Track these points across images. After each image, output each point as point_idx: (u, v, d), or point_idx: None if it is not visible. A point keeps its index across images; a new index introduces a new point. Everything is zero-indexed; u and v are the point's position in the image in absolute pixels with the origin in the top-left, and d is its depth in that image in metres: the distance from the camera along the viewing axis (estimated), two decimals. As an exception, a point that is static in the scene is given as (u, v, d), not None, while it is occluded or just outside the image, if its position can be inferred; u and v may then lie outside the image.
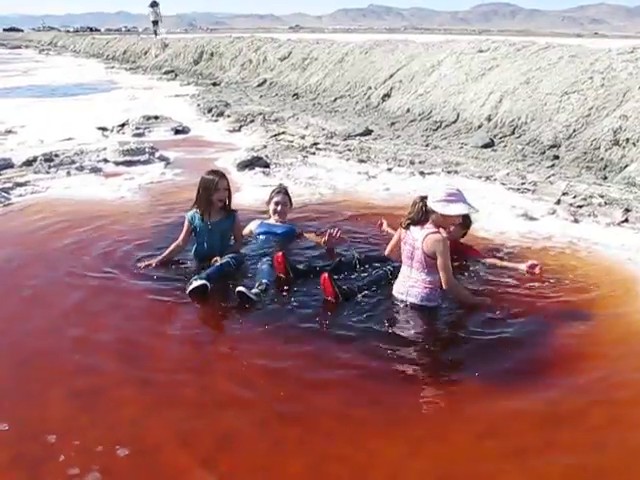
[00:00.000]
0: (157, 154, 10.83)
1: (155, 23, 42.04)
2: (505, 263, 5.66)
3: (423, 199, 4.81)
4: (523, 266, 5.55)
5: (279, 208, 6.36)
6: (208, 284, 4.97)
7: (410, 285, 4.87)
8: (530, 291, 5.21)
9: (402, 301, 4.89)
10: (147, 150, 10.81)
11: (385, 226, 6.60)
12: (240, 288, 4.88)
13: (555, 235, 6.73)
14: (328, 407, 3.71)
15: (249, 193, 8.39)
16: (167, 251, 5.75)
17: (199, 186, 5.77)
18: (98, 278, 5.42)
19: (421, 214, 4.77)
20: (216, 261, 5.42)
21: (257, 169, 9.64)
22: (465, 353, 4.32)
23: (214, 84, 22.43)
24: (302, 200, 8.02)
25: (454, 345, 4.47)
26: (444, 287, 4.72)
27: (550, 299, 5.08)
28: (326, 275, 4.96)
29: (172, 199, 8.08)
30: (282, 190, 6.53)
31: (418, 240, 4.78)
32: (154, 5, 41.32)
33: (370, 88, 15.42)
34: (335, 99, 16.09)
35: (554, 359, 4.22)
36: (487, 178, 8.78)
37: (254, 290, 4.94)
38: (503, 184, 8.48)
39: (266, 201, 6.60)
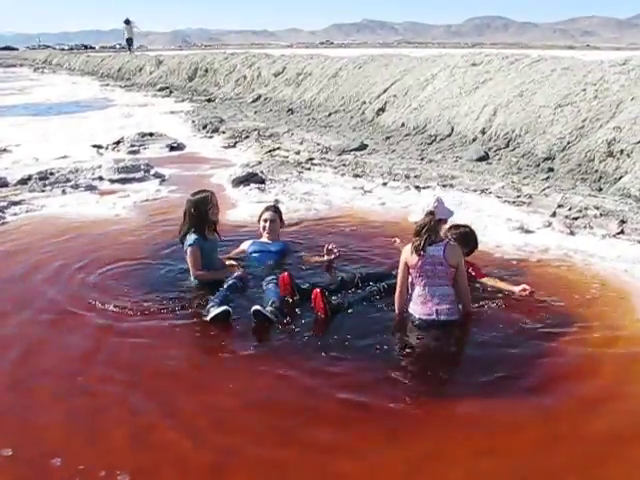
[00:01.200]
0: (152, 171, 10.84)
1: (129, 40, 42.92)
2: (500, 285, 5.53)
3: (433, 214, 4.76)
4: (517, 289, 5.42)
5: (267, 225, 6.30)
6: (230, 310, 4.90)
7: (437, 303, 4.78)
8: (526, 306, 5.18)
9: (430, 321, 4.79)
10: (142, 167, 10.82)
11: (398, 242, 6.46)
12: (256, 307, 4.82)
13: (551, 247, 6.74)
14: (327, 424, 3.69)
15: (244, 209, 8.39)
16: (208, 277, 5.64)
17: (190, 208, 5.68)
18: (93, 301, 5.39)
19: (437, 230, 4.78)
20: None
21: (252, 185, 9.65)
22: (465, 369, 4.30)
23: (209, 100, 22.51)
24: (298, 216, 8.03)
25: (454, 361, 4.45)
26: (467, 295, 4.83)
27: (546, 314, 5.06)
28: (318, 291, 4.97)
29: (168, 216, 8.06)
30: (271, 208, 6.51)
31: (439, 255, 4.75)
32: (127, 22, 42.19)
33: (364, 103, 15.48)
34: (330, 114, 16.15)
35: (552, 375, 4.19)
36: (482, 191, 8.80)
37: (268, 308, 4.89)
38: (498, 197, 8.50)
39: (257, 219, 6.58)
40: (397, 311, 4.87)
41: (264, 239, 6.36)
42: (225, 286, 5.31)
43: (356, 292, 5.40)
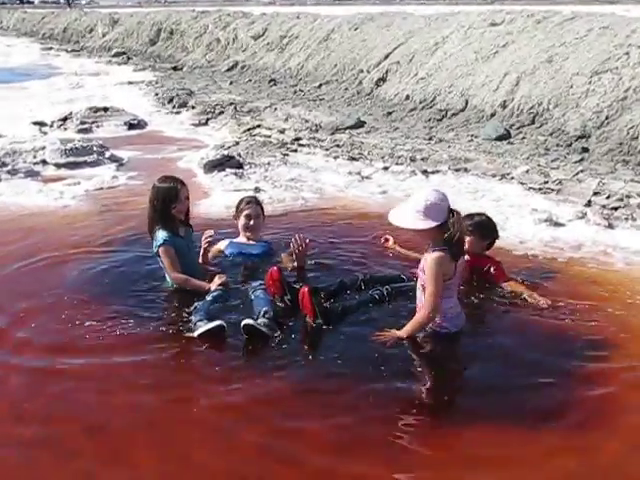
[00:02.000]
0: (107, 154, 10.80)
1: None
2: (525, 294, 5.48)
3: (454, 211, 4.73)
4: (542, 302, 5.34)
5: (251, 223, 6.22)
6: (224, 324, 4.79)
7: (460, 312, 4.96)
8: (555, 319, 5.15)
9: (455, 333, 4.87)
10: (95, 149, 10.77)
11: (392, 243, 6.50)
12: (248, 321, 4.74)
13: (585, 244, 6.78)
14: (322, 450, 3.72)
15: (219, 199, 8.39)
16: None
17: (154, 198, 5.64)
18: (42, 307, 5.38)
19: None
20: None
21: (228, 170, 9.65)
22: (481, 392, 4.30)
23: (175, 68, 22.47)
24: (283, 207, 8.04)
25: (470, 382, 4.46)
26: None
27: (581, 328, 5.01)
28: (306, 289, 4.98)
29: (127, 208, 8.06)
30: (253, 200, 6.41)
31: (463, 259, 4.91)
32: None
33: (362, 71, 15.51)
34: (320, 85, 16.15)
35: (577, 401, 4.16)
36: (503, 176, 8.84)
37: (261, 320, 4.83)
38: (522, 183, 8.55)
39: (233, 215, 6.46)
40: (424, 327, 4.83)
41: (242, 239, 6.30)
42: (209, 296, 5.25)
43: (356, 295, 5.42)
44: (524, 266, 6.20)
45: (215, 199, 8.46)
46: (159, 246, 5.57)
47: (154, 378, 4.42)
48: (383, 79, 14.57)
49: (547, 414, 4.03)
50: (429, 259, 4.58)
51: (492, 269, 5.65)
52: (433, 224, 4.50)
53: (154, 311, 5.26)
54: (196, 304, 5.18)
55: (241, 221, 6.28)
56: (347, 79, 15.75)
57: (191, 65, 22.64)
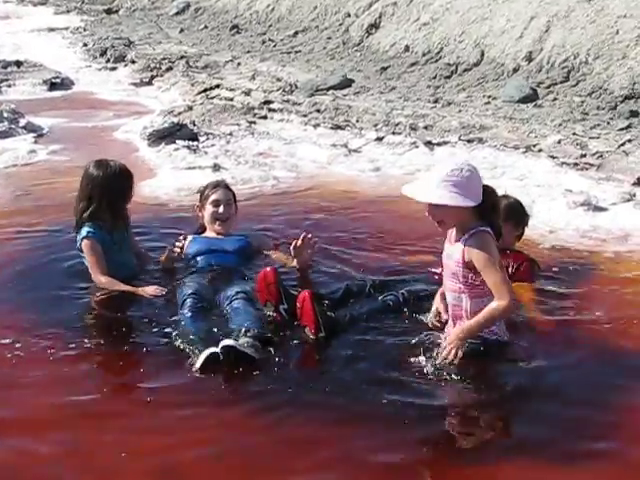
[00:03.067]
0: (22, 121, 10.73)
1: None
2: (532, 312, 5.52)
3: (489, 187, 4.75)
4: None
5: (221, 210, 6.06)
6: (219, 352, 4.65)
7: None
8: (594, 331, 5.14)
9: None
10: (6, 115, 10.69)
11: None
12: (227, 342, 4.63)
13: (634, 234, 6.81)
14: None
15: (168, 180, 8.37)
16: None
17: (88, 183, 5.75)
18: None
19: None
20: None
21: (179, 143, 9.60)
22: (515, 423, 4.33)
23: (108, 11, 22.33)
24: (249, 190, 8.02)
25: (502, 408, 4.47)
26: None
27: (624, 340, 5.02)
28: (307, 294, 4.94)
29: (49, 190, 8.04)
30: (221, 184, 6.34)
31: None
32: None
33: (348, 15, 15.47)
34: (295, 33, 16.10)
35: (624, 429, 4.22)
36: (528, 149, 8.87)
37: (243, 340, 4.71)
38: (553, 157, 8.58)
39: (196, 205, 6.29)
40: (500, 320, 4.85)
41: (210, 233, 6.19)
42: (186, 310, 5.19)
43: (365, 303, 5.41)
44: (555, 262, 6.21)
45: (163, 179, 8.43)
46: (82, 239, 5.67)
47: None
48: (375, 25, 14.55)
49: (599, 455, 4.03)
50: (475, 241, 4.55)
51: (522, 267, 5.65)
52: (472, 203, 4.50)
53: (82, 325, 5.24)
54: (178, 319, 5.16)
55: (207, 210, 6.12)
56: (330, 25, 15.71)
57: (129, 7, 22.53)
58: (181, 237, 5.95)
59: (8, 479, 3.77)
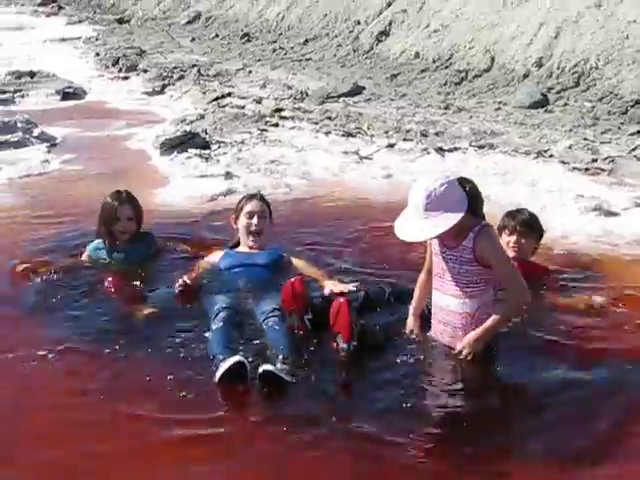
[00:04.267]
0: (36, 131, 10.76)
1: None
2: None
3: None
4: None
5: (255, 222, 5.97)
6: (246, 362, 4.61)
7: None
8: (604, 336, 5.14)
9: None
10: (20, 125, 10.73)
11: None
12: (267, 367, 4.54)
13: (646, 239, 6.82)
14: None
15: (181, 188, 8.37)
16: None
17: (100, 209, 6.25)
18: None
19: None
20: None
21: (191, 151, 9.62)
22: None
23: (120, 21, 22.43)
24: (261, 197, 8.05)
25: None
26: None
27: (635, 342, 5.02)
28: (344, 301, 4.87)
29: (62, 200, 8.06)
30: (257, 195, 6.22)
31: None
32: None
33: (358, 23, 15.51)
34: (306, 41, 16.14)
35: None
36: (539, 154, 8.86)
37: (281, 366, 4.65)
38: (564, 162, 8.58)
39: (231, 218, 6.22)
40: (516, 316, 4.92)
41: (243, 248, 6.11)
42: (219, 322, 5.10)
43: (390, 311, 5.41)
44: (567, 267, 6.21)
45: (175, 188, 8.44)
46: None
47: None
48: (385, 32, 14.59)
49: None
50: (486, 237, 4.61)
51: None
52: (462, 211, 4.52)
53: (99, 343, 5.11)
54: (210, 332, 5.09)
55: (241, 222, 6.04)
56: (340, 33, 15.75)
57: (141, 16, 22.63)
58: (181, 280, 5.75)
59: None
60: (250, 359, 4.66)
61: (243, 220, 6.00)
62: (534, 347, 5.02)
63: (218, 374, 4.55)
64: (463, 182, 4.73)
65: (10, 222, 7.48)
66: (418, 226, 4.54)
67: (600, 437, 4.15)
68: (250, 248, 6.01)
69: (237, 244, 6.14)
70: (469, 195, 4.62)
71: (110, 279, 5.71)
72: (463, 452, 4.12)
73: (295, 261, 6.05)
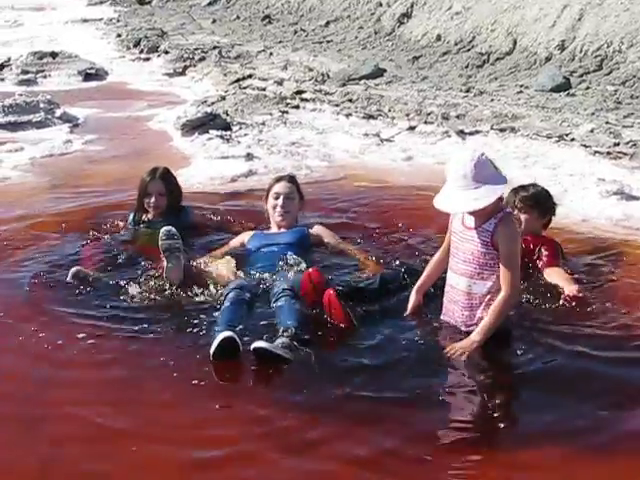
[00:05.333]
0: (58, 112, 10.82)
1: None
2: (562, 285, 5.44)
3: None
4: (572, 288, 5.33)
5: (280, 203, 6.06)
6: (235, 336, 4.68)
7: None
8: (621, 321, 5.08)
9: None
10: (42, 106, 10.78)
11: None
12: (259, 344, 4.61)
13: (669, 223, 6.79)
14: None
15: (202, 169, 8.39)
16: None
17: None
18: None
19: None
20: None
21: (212, 132, 9.66)
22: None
23: (141, 2, 22.40)
24: (282, 178, 8.07)
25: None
26: None
27: None
28: (331, 292, 4.96)
29: (85, 181, 8.11)
30: (286, 177, 6.31)
31: None
32: None
33: (380, 5, 15.46)
34: (327, 23, 16.11)
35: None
36: (561, 138, 8.82)
37: (279, 341, 4.69)
38: (585, 146, 8.53)
39: (263, 197, 6.31)
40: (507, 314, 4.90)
41: (273, 227, 6.20)
42: (227, 301, 5.16)
43: (398, 292, 5.42)
44: (587, 251, 6.21)
45: (197, 168, 8.46)
46: None
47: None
48: (407, 15, 14.54)
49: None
50: (507, 227, 4.62)
51: (544, 252, 5.65)
52: (504, 184, 4.61)
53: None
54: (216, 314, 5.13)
55: (269, 203, 6.15)
56: (361, 15, 15.71)
57: (162, -2, 22.62)
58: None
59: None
60: (247, 337, 4.73)
61: (271, 201, 6.11)
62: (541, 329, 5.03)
63: (211, 351, 4.63)
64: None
65: (35, 204, 7.45)
66: (471, 196, 4.54)
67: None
68: (278, 228, 6.10)
69: (269, 226, 6.24)
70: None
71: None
72: (466, 428, 4.18)
73: (327, 239, 6.13)
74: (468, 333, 4.73)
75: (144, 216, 6.46)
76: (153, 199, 6.34)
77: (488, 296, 4.72)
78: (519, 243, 4.71)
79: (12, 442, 3.96)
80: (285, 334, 4.76)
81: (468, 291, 4.78)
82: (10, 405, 4.26)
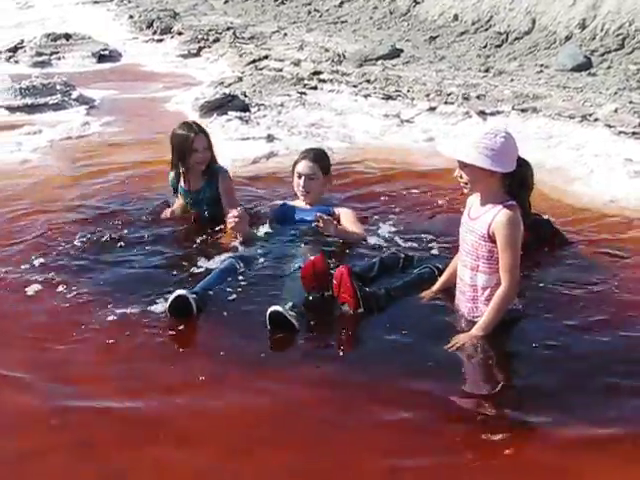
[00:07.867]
0: (74, 93, 10.82)
1: None
2: None
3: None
4: None
5: (301, 183, 6.16)
6: (190, 298, 4.91)
7: None
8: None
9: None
10: (58, 88, 10.79)
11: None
12: (276, 308, 4.78)
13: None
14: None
15: (223, 151, 8.28)
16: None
17: (171, 142, 6.38)
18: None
19: None
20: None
21: (231, 114, 9.64)
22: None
23: (152, -17, 22.36)
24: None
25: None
26: None
27: None
28: (345, 270, 4.96)
29: (103, 161, 8.14)
30: (308, 155, 6.27)
31: None
32: None
33: (396, -17, 15.41)
34: (341, 3, 16.02)
35: None
36: (584, 118, 8.77)
37: (290, 313, 4.83)
38: (610, 126, 8.48)
39: (291, 169, 6.42)
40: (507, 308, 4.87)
41: (299, 202, 6.30)
42: (217, 269, 5.40)
43: (400, 276, 5.42)
44: (617, 232, 6.22)
45: (217, 150, 8.39)
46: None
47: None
48: (423, -6, 14.47)
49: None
50: (504, 217, 4.56)
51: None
52: (499, 169, 4.49)
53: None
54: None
55: (294, 180, 6.27)
56: (377, -6, 15.65)
57: (173, -21, 22.54)
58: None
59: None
60: (195, 295, 4.97)
61: (295, 179, 6.23)
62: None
63: (165, 307, 4.95)
64: (519, 160, 4.69)
65: (55, 187, 7.51)
66: (458, 146, 4.58)
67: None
68: (305, 202, 6.23)
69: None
70: (520, 174, 4.63)
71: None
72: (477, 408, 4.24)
73: (343, 218, 6.12)
74: (474, 323, 4.73)
75: (185, 185, 6.43)
76: (200, 154, 6.25)
77: (488, 289, 4.71)
78: (517, 236, 4.59)
79: None
80: (295, 310, 4.89)
81: (471, 283, 4.79)
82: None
